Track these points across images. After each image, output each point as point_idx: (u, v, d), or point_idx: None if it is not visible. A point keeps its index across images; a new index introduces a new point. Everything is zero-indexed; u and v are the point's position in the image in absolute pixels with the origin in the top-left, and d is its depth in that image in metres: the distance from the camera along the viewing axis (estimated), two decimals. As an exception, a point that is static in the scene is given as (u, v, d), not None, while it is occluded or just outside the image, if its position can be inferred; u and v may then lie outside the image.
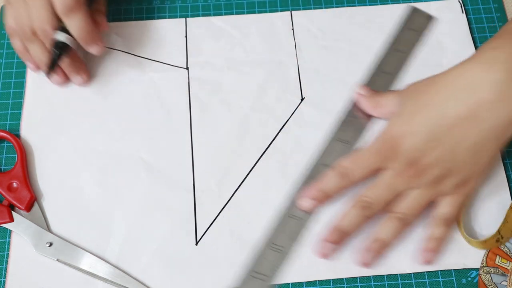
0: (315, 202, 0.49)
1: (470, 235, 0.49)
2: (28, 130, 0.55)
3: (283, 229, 0.49)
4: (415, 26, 0.58)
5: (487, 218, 0.51)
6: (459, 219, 0.50)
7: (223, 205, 0.51)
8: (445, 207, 0.48)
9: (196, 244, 0.50)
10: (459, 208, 0.49)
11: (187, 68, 0.58)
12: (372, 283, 0.48)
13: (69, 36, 0.52)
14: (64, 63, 0.54)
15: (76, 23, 0.51)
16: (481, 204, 0.51)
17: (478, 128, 0.45)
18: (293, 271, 0.49)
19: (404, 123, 0.48)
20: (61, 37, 0.51)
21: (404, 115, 0.48)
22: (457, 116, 0.45)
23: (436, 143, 0.46)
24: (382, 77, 0.56)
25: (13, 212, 0.51)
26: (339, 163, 0.49)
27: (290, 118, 0.55)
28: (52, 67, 0.52)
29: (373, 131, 0.53)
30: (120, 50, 0.59)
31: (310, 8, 0.61)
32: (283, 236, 0.49)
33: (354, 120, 0.54)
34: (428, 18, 0.59)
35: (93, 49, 0.54)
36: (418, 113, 0.47)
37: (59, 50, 0.52)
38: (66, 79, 0.56)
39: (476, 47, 0.58)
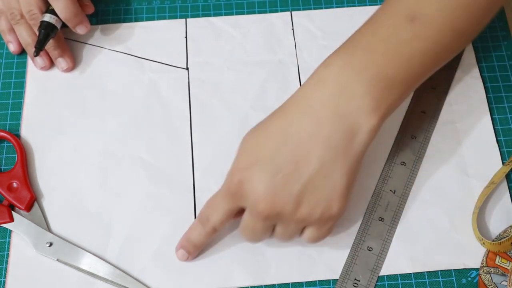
0: (187, 254, 0.48)
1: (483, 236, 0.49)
2: (28, 130, 0.55)
3: (357, 262, 0.49)
4: None
5: (487, 219, 0.51)
6: (473, 221, 0.49)
7: (223, 205, 0.51)
8: (310, 233, 0.45)
9: (196, 244, 0.50)
10: (324, 235, 0.45)
11: (187, 68, 0.58)
12: (372, 283, 0.48)
13: (57, 17, 0.54)
14: (50, 45, 0.56)
15: (63, 5, 0.53)
16: (482, 205, 0.51)
17: (321, 146, 0.42)
18: (293, 271, 0.49)
19: (246, 157, 0.44)
20: (49, 18, 0.53)
21: (246, 150, 0.44)
22: (299, 139, 0.42)
23: (283, 173, 0.42)
24: (429, 93, 0.56)
25: (13, 212, 0.51)
26: (200, 211, 0.47)
27: (290, 118, 0.55)
28: (40, 47, 0.53)
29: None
30: (120, 51, 0.59)
31: (310, 8, 0.61)
32: (359, 268, 0.49)
33: (409, 141, 0.53)
34: None
35: (80, 30, 0.56)
36: (260, 144, 0.44)
37: (46, 31, 0.53)
38: (50, 63, 0.57)
39: (475, 47, 0.58)
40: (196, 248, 0.48)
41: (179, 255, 0.49)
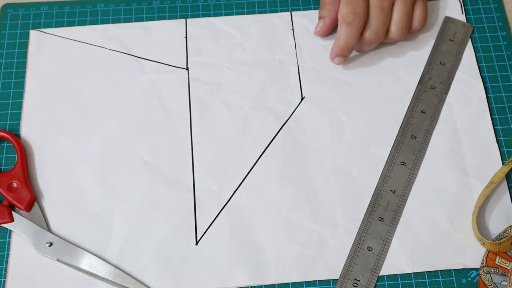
0: (343, 58, 0.55)
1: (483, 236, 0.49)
2: (28, 130, 0.55)
3: (357, 262, 0.49)
4: (453, 37, 0.58)
5: (487, 219, 0.51)
6: (473, 221, 0.49)
7: (223, 205, 0.51)
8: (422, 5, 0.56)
9: (196, 244, 0.50)
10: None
11: (187, 68, 0.58)
12: (372, 283, 0.48)
13: None
14: None
15: None
16: (482, 205, 0.51)
17: None
18: (293, 271, 0.49)
19: None
20: None
21: None
22: None
23: None
24: (429, 93, 0.56)
25: (13, 212, 0.51)
26: (339, 17, 0.54)
27: (290, 118, 0.55)
28: None
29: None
30: (120, 51, 0.59)
31: (310, 8, 0.61)
32: (359, 268, 0.49)
33: (410, 141, 0.54)
34: (464, 26, 0.59)
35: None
36: None
37: None
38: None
39: (475, 47, 0.58)
40: (351, 51, 0.55)
41: (337, 61, 0.56)
